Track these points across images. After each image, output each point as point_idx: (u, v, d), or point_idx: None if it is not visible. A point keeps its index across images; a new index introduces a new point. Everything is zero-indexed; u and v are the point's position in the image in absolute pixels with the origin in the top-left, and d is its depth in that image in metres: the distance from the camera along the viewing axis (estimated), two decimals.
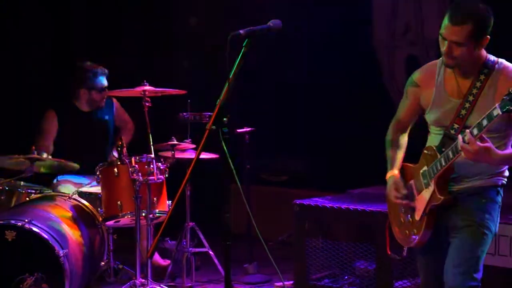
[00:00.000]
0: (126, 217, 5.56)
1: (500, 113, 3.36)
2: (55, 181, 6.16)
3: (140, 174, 5.42)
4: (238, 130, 6.36)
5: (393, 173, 3.90)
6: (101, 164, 5.65)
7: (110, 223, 5.69)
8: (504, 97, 3.36)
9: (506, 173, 3.81)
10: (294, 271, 5.76)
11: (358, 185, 6.41)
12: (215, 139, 3.37)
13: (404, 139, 4.03)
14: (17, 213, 5.33)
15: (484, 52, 3.71)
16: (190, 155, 6.08)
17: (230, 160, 3.35)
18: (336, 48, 7.82)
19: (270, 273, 6.29)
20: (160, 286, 5.51)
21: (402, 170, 3.94)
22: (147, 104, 5.67)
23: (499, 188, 3.79)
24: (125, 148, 5.57)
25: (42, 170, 5.96)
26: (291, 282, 5.79)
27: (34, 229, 5.09)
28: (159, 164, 5.52)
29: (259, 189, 7.38)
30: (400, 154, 3.97)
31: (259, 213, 5.96)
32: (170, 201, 5.69)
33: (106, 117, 6.51)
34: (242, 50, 3.43)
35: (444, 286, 3.74)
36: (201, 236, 6.19)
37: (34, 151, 5.72)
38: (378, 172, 4.27)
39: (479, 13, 3.60)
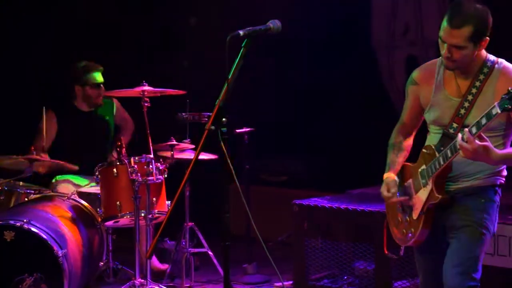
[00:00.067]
0: (125, 217, 5.56)
1: (499, 111, 3.36)
2: (53, 181, 6.16)
3: (139, 174, 5.42)
4: (237, 130, 6.37)
5: (389, 175, 3.90)
6: (100, 164, 5.65)
7: (109, 223, 5.69)
8: (503, 96, 3.36)
9: (504, 173, 3.81)
10: (293, 271, 5.77)
11: (357, 185, 6.41)
12: (214, 139, 3.37)
13: (407, 143, 4.01)
14: (16, 213, 5.33)
15: (484, 52, 3.71)
16: (189, 155, 6.08)
17: (229, 160, 3.35)
18: (336, 48, 7.82)
19: (269, 273, 6.28)
20: (159, 286, 5.51)
21: (401, 169, 3.93)
22: (146, 104, 5.68)
23: (497, 188, 3.79)
24: (124, 149, 5.58)
25: (41, 170, 5.96)
26: (291, 282, 5.79)
27: (33, 229, 5.09)
28: (158, 164, 5.52)
29: (259, 189, 7.38)
30: (401, 158, 3.95)
31: (259, 213, 5.95)
32: (169, 201, 5.70)
33: (106, 117, 6.51)
34: (242, 50, 3.42)
35: (443, 286, 3.74)
36: (200, 236, 6.19)
37: (33, 151, 5.73)
38: (377, 172, 4.27)
39: (478, 15, 3.59)
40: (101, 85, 6.37)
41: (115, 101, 6.58)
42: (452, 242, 3.74)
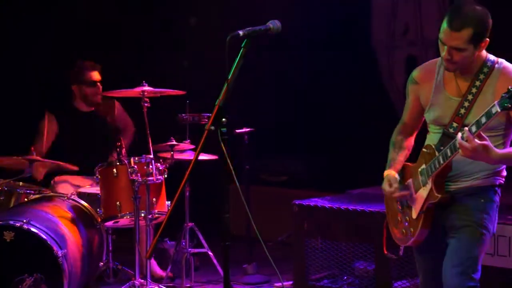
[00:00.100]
0: (125, 217, 5.56)
1: (499, 110, 3.36)
2: (53, 181, 6.16)
3: (139, 174, 5.42)
4: (237, 131, 6.36)
5: (390, 172, 3.89)
6: (100, 164, 5.65)
7: (109, 223, 5.69)
8: (503, 95, 3.36)
9: (504, 173, 3.81)
10: (293, 272, 5.76)
11: (357, 186, 6.41)
12: (214, 140, 3.37)
13: (408, 142, 4.00)
14: (16, 213, 5.33)
15: (484, 52, 3.71)
16: (189, 156, 6.08)
17: (229, 161, 3.35)
18: (336, 48, 7.82)
19: (269, 273, 6.28)
20: (159, 286, 5.51)
21: (401, 169, 3.93)
22: (146, 104, 5.67)
23: (496, 188, 3.78)
24: (124, 149, 5.57)
25: (39, 175, 5.96)
26: (290, 282, 5.79)
27: (33, 229, 5.09)
28: (158, 164, 5.52)
29: (259, 189, 7.38)
30: (401, 157, 3.95)
31: (259, 213, 5.96)
32: (169, 202, 5.69)
33: (107, 118, 6.51)
34: (241, 50, 3.42)
35: (443, 286, 3.74)
36: (200, 237, 6.19)
37: (33, 151, 5.73)
38: (377, 172, 4.26)
39: (477, 17, 3.59)
40: (98, 83, 6.37)
41: (116, 103, 6.59)
42: (452, 242, 3.73)
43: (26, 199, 5.67)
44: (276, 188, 7.99)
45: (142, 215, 5.48)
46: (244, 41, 3.43)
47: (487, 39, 3.63)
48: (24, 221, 5.11)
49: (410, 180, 3.86)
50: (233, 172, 3.35)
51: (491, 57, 3.73)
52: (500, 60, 3.73)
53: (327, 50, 7.85)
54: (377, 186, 4.92)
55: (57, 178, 6.18)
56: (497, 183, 3.78)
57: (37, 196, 5.70)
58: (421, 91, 3.86)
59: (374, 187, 6.06)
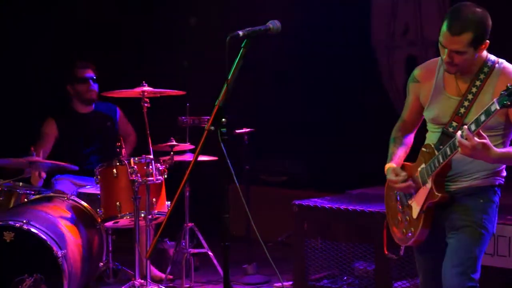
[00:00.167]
0: (125, 218, 5.55)
1: (498, 108, 3.36)
2: (53, 179, 6.16)
3: (139, 175, 5.42)
4: (237, 131, 6.37)
5: (391, 165, 3.89)
6: (100, 165, 5.65)
7: (109, 224, 5.69)
8: (502, 92, 3.36)
9: (504, 173, 3.81)
10: (293, 272, 5.76)
11: (357, 186, 6.41)
12: (214, 141, 3.37)
13: (408, 139, 4.01)
14: (16, 214, 5.32)
15: (484, 52, 3.71)
16: (189, 157, 6.07)
17: (228, 161, 3.34)
18: (336, 48, 7.81)
19: (269, 273, 6.29)
20: (158, 287, 5.51)
21: (401, 168, 3.92)
22: (146, 105, 5.67)
23: (496, 188, 3.79)
24: (124, 149, 5.57)
25: (38, 175, 5.95)
26: (290, 282, 5.79)
27: (33, 230, 5.09)
28: (158, 165, 5.52)
29: (258, 189, 7.38)
30: (401, 151, 3.95)
31: (258, 213, 5.93)
32: (169, 202, 5.69)
33: (108, 123, 6.50)
34: (241, 50, 3.42)
35: (442, 286, 3.74)
36: (200, 237, 6.19)
37: (33, 152, 5.72)
38: (377, 173, 4.27)
39: (477, 20, 3.58)
40: (90, 80, 6.38)
41: (119, 110, 6.58)
42: (452, 242, 3.73)
43: (26, 200, 5.67)
44: (276, 188, 7.99)
45: (142, 215, 5.48)
46: (244, 41, 3.43)
47: (487, 41, 3.63)
48: (24, 221, 5.11)
49: (409, 180, 3.85)
50: (232, 172, 3.35)
51: (492, 57, 3.73)
52: (501, 60, 3.73)
53: (327, 50, 7.84)
54: (377, 186, 4.92)
55: (57, 177, 6.19)
56: (497, 183, 3.78)
57: (37, 196, 5.70)
58: (421, 89, 3.87)
59: (374, 187, 6.07)
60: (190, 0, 8.39)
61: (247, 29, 3.43)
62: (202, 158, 5.69)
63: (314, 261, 5.65)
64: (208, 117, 3.39)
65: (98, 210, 5.64)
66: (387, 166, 3.90)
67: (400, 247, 4.02)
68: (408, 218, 3.86)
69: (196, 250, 6.18)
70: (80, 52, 7.32)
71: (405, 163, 3.93)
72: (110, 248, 5.95)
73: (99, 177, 5.60)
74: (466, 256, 3.69)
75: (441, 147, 3.69)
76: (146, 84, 5.73)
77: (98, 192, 5.70)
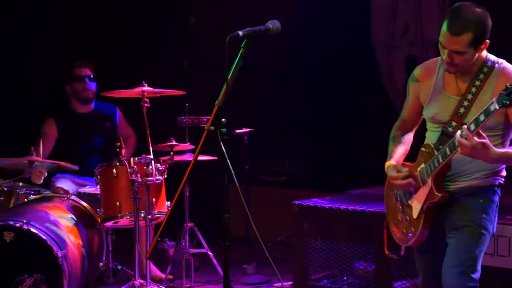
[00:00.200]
0: (125, 218, 5.56)
1: (497, 107, 3.36)
2: (53, 178, 6.16)
3: (139, 175, 5.42)
4: (237, 131, 6.36)
5: (391, 162, 3.88)
6: (100, 165, 5.65)
7: (109, 224, 5.69)
8: (501, 92, 3.36)
9: (504, 173, 3.81)
10: (293, 272, 5.76)
11: (357, 186, 6.41)
12: (214, 141, 3.37)
13: (407, 137, 4.01)
14: (16, 214, 5.32)
15: (484, 52, 3.71)
16: (189, 157, 6.07)
17: (228, 161, 3.34)
18: (336, 48, 7.81)
19: (269, 273, 6.28)
20: (158, 287, 5.51)
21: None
22: (145, 105, 5.67)
23: (496, 188, 3.79)
24: (124, 149, 5.57)
25: (39, 174, 5.95)
26: (290, 282, 5.79)
27: (33, 230, 5.09)
28: (158, 165, 5.52)
29: (258, 189, 7.38)
30: (401, 150, 3.95)
31: (258, 213, 5.94)
32: (169, 202, 5.69)
33: (108, 123, 6.50)
34: (241, 50, 3.42)
35: (442, 286, 3.74)
36: (200, 237, 6.19)
37: (33, 152, 5.72)
38: (377, 172, 4.27)
39: (477, 21, 3.58)
40: (86, 79, 6.37)
41: (119, 111, 6.58)
42: (452, 242, 3.73)
43: (26, 200, 5.67)
44: (276, 188, 7.99)
45: (142, 215, 5.48)
46: (244, 41, 3.43)
47: (487, 40, 3.64)
48: (24, 221, 5.11)
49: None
50: (232, 172, 3.35)
51: (492, 57, 3.73)
52: (501, 60, 3.73)
53: (327, 50, 7.84)
54: (377, 186, 4.92)
55: (57, 175, 6.19)
56: (497, 183, 3.78)
57: (37, 196, 5.70)
58: (421, 88, 3.87)
59: (374, 187, 6.07)
60: (190, 0, 8.39)
61: (247, 29, 3.43)
62: (202, 158, 5.68)
63: (314, 261, 5.65)
64: (208, 117, 3.39)
65: (98, 210, 5.64)
66: (387, 164, 3.90)
67: (400, 247, 4.02)
68: (408, 218, 3.86)
69: (196, 250, 6.18)
70: (80, 52, 7.32)
71: (405, 163, 3.93)
72: (110, 248, 5.95)
73: (99, 177, 5.61)
74: (466, 256, 3.69)
75: (440, 147, 3.69)
76: (146, 84, 5.73)
77: (98, 192, 5.70)
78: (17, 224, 5.09)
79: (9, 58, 7.59)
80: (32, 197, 5.69)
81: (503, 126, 3.70)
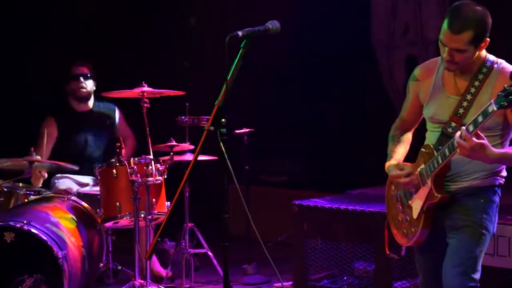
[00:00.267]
0: (125, 218, 5.55)
1: (495, 108, 3.36)
2: (53, 179, 6.16)
3: (138, 175, 5.42)
4: (237, 131, 6.36)
5: (391, 162, 3.89)
6: (99, 165, 5.65)
7: (109, 224, 5.69)
8: (499, 93, 3.36)
9: (504, 173, 3.81)
10: (293, 272, 5.76)
11: (357, 186, 6.41)
12: (214, 141, 3.37)
13: (406, 137, 4.02)
14: (16, 214, 5.32)
15: (483, 52, 3.71)
16: (189, 157, 6.07)
17: (228, 161, 3.34)
18: (336, 48, 7.81)
19: (269, 273, 6.28)
20: (159, 287, 5.51)
21: None
22: (145, 105, 5.67)
23: (496, 188, 3.79)
24: (123, 149, 5.57)
25: (39, 176, 5.96)
26: (290, 282, 5.79)
27: (33, 230, 5.09)
28: (158, 165, 5.52)
29: (258, 189, 7.37)
30: (401, 149, 3.95)
31: (258, 214, 5.94)
32: (169, 202, 5.69)
33: (107, 123, 6.50)
34: (241, 51, 3.42)
35: (442, 287, 3.74)
36: (200, 237, 6.19)
37: (33, 152, 5.72)
38: (377, 172, 4.27)
39: (477, 19, 3.59)
40: (81, 77, 6.37)
41: (118, 111, 6.58)
42: (452, 242, 3.73)
43: (26, 200, 5.67)
44: (276, 188, 7.99)
45: (142, 215, 5.48)
46: (243, 41, 3.43)
47: (488, 39, 3.64)
48: (24, 222, 5.11)
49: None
50: (232, 173, 3.35)
51: (491, 57, 3.73)
52: (500, 60, 3.73)
53: (327, 50, 7.84)
54: (377, 186, 4.92)
55: (57, 176, 6.19)
56: (497, 183, 3.78)
57: (37, 196, 5.70)
58: (421, 87, 3.88)
59: (374, 187, 6.07)
60: (190, 0, 8.39)
61: (247, 29, 3.43)
62: (202, 158, 5.68)
63: (314, 261, 5.64)
64: (208, 117, 3.39)
65: (98, 210, 5.64)
66: (388, 164, 3.90)
67: (401, 247, 4.03)
68: (408, 219, 3.86)
69: (196, 250, 6.17)
70: (80, 52, 7.32)
71: (404, 163, 3.93)
72: (110, 249, 5.94)
73: (99, 177, 5.61)
74: (467, 256, 3.69)
75: (440, 147, 3.70)
76: (146, 85, 5.73)
77: (98, 192, 5.70)
78: (17, 225, 5.09)
79: (9, 58, 7.59)
80: (32, 197, 5.69)
81: (502, 127, 3.70)
